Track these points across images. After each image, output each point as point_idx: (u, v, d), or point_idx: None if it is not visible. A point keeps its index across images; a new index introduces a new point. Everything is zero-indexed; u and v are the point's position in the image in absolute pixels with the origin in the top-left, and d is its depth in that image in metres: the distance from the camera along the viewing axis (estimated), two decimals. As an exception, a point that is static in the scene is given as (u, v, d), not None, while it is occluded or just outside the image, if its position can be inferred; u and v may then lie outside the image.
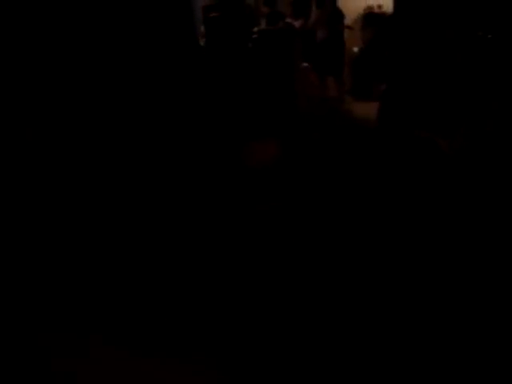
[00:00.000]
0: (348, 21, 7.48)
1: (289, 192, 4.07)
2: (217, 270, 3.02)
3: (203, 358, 2.32)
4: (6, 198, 3.41)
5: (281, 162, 4.63)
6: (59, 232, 3.42)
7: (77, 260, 3.18)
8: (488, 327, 2.36)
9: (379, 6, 7.95)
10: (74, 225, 3.52)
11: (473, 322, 2.40)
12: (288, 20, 6.88)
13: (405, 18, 5.26)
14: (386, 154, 4.67)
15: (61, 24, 4.22)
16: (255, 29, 6.27)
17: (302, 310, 2.61)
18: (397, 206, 3.67)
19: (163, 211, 3.82)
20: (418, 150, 4.59)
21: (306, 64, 7.07)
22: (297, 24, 6.98)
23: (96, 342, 2.47)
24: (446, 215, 3.47)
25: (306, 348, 2.32)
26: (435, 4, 4.95)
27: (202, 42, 5.96)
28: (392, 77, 5.39)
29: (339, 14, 7.04)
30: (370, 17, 7.74)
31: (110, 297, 2.84)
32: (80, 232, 3.47)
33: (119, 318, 2.66)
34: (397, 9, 5.40)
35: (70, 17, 4.31)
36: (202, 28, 5.96)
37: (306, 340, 2.37)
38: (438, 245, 3.12)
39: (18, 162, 3.59)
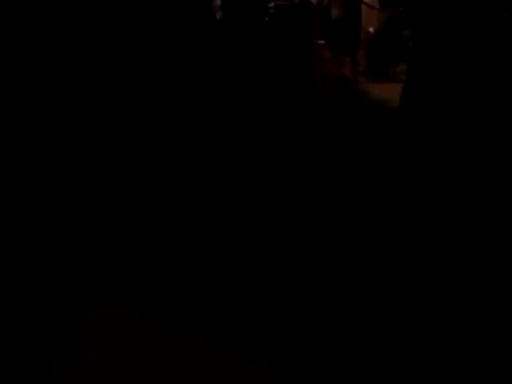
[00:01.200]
0: (364, -1, 7.31)
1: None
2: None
3: (203, 327, 2.31)
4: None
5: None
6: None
7: (76, 223, 3.13)
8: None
9: (397, -14, 7.76)
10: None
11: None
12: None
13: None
14: (407, 138, 4.59)
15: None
16: (271, 3, 6.15)
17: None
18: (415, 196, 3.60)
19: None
20: (439, 135, 4.52)
21: (321, 41, 6.96)
22: (313, 0, 6.85)
23: (95, 302, 2.46)
24: (467, 204, 3.41)
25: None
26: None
27: (218, 16, 5.84)
28: (414, 58, 5.28)
29: (357, -8, 6.90)
30: (388, -4, 7.56)
31: (112, 259, 2.81)
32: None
33: (120, 279, 2.64)
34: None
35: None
36: (219, 1, 5.84)
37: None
38: (460, 234, 3.07)
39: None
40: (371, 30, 7.60)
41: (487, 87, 4.83)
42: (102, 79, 4.35)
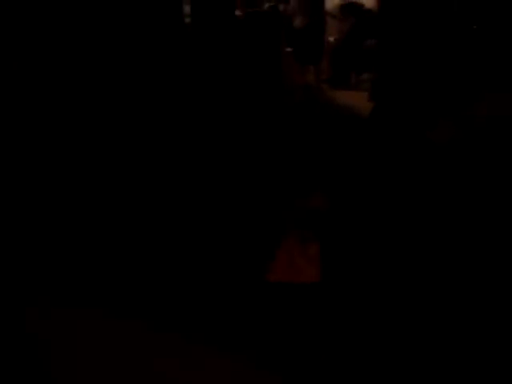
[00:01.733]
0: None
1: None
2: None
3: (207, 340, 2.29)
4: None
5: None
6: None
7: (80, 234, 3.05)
8: (488, 327, 2.39)
9: (358, -4, 7.98)
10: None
11: (473, 323, 2.42)
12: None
13: (393, 8, 5.32)
14: (378, 147, 4.68)
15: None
16: (238, 11, 6.17)
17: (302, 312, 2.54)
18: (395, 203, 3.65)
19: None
20: (409, 143, 4.63)
21: (289, 49, 7.04)
22: (280, 8, 6.94)
23: (96, 315, 2.41)
24: (442, 211, 3.49)
25: (307, 348, 2.29)
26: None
27: (187, 21, 5.79)
28: (381, 67, 5.44)
29: (320, 1, 7.04)
30: (349, 7, 7.76)
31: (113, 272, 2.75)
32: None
33: (120, 292, 2.59)
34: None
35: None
36: (189, 7, 5.79)
37: (306, 340, 2.34)
38: (436, 243, 3.12)
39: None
40: (331, 39, 7.79)
41: (450, 96, 5.03)
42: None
